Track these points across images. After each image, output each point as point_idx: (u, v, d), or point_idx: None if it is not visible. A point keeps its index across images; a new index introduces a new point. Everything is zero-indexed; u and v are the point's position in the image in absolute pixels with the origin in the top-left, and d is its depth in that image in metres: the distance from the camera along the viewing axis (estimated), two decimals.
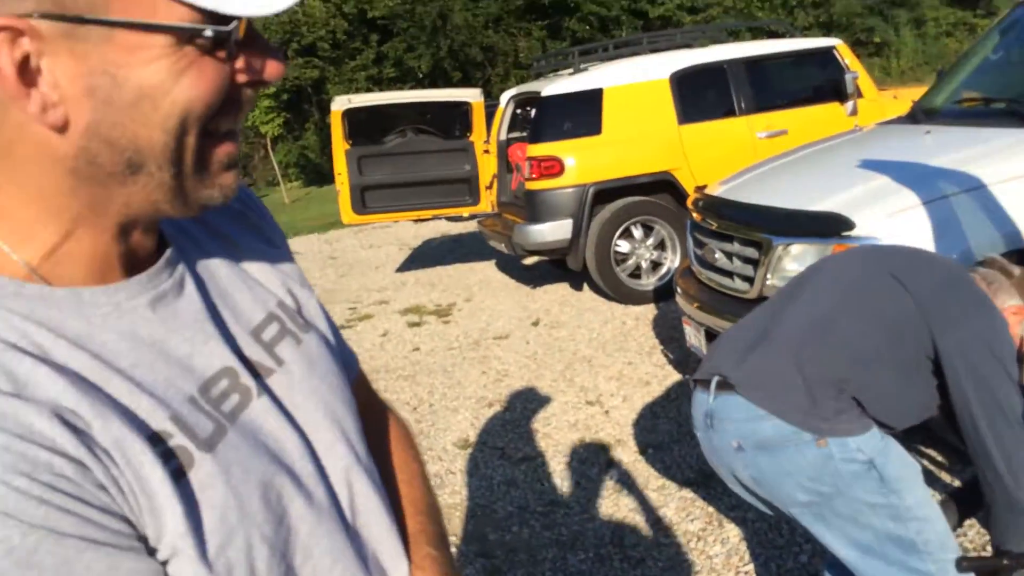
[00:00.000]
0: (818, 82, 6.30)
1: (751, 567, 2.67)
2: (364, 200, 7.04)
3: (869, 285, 1.81)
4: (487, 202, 6.98)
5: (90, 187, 0.57)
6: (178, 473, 0.57)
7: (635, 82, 5.95)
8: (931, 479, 2.91)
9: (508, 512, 3.24)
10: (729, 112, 6.05)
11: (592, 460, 3.59)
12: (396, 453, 0.89)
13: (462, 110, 6.93)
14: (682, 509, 3.07)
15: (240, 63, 0.57)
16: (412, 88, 19.83)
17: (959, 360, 1.61)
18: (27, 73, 0.51)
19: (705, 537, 2.87)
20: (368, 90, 19.71)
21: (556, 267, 6.84)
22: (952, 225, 2.88)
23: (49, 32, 0.51)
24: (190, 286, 0.66)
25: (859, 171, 3.36)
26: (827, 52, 6.32)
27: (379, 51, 21.77)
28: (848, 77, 6.03)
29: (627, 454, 3.59)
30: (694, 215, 3.97)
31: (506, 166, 6.92)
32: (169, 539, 0.55)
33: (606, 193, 5.87)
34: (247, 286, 0.73)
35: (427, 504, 0.86)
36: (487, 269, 7.82)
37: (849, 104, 6.04)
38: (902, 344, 1.71)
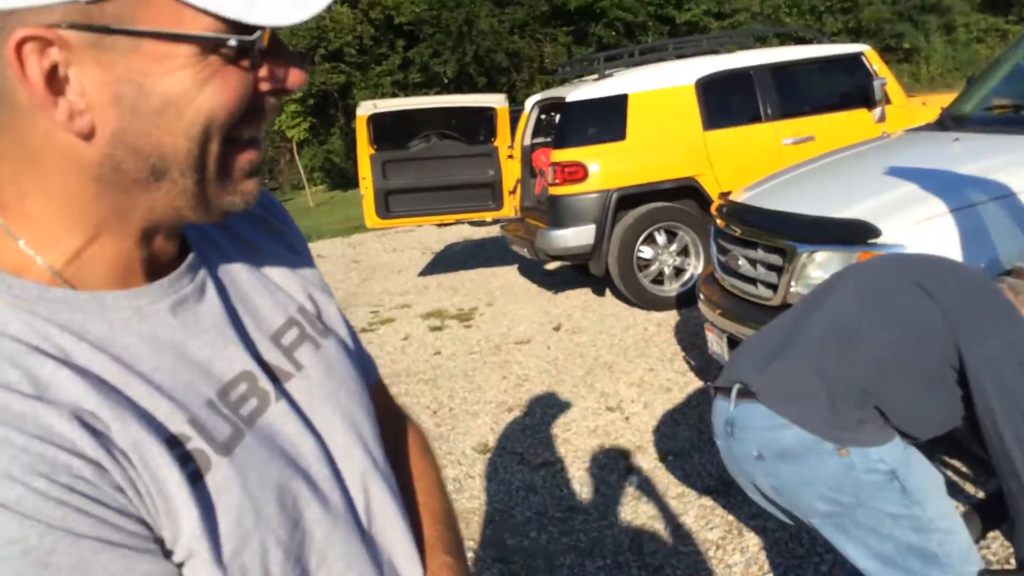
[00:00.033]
0: (846, 88, 6.24)
1: None
2: (388, 204, 7.08)
3: (894, 294, 1.79)
4: (510, 207, 6.98)
5: (114, 193, 0.57)
6: (195, 476, 0.57)
7: (660, 88, 5.93)
8: (955, 490, 2.86)
9: (526, 517, 3.23)
10: (755, 118, 6.01)
11: (611, 466, 3.57)
12: (414, 461, 0.89)
13: (487, 115, 6.94)
14: (701, 517, 3.04)
15: (263, 72, 0.58)
16: (437, 93, 19.93)
17: (985, 371, 1.59)
18: (55, 82, 0.52)
19: (724, 546, 2.84)
20: (394, 95, 19.83)
21: (578, 272, 6.83)
22: (980, 234, 2.83)
23: (77, 42, 0.52)
24: (211, 291, 0.67)
25: (886, 178, 3.32)
26: (855, 58, 6.26)
27: (405, 56, 21.91)
28: (876, 83, 5.97)
29: (647, 461, 3.57)
30: (718, 221, 3.95)
31: (530, 171, 6.93)
32: (185, 541, 0.56)
33: (630, 199, 5.85)
34: (268, 291, 0.73)
35: (445, 513, 0.86)
36: (509, 274, 7.83)
37: (877, 111, 5.98)
38: (927, 354, 1.68)
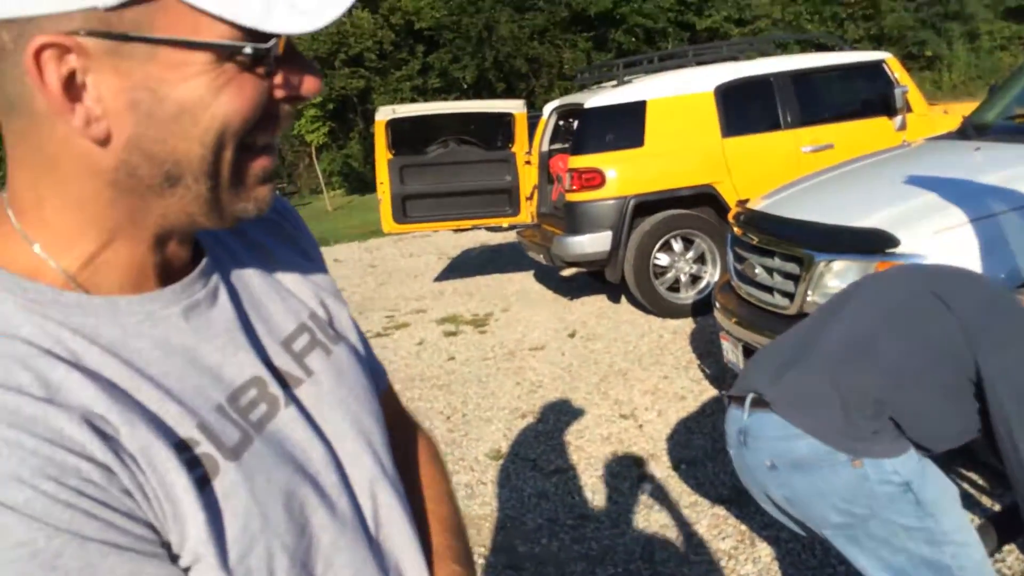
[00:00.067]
0: (866, 96, 6.20)
1: None
2: (405, 209, 7.10)
3: (912, 305, 1.77)
4: (527, 213, 6.98)
5: (129, 198, 0.58)
6: (203, 481, 0.57)
7: (679, 95, 5.92)
8: (971, 502, 2.83)
9: (538, 524, 3.22)
10: (774, 125, 5.98)
11: (624, 474, 3.55)
12: (424, 469, 0.89)
13: (504, 121, 6.95)
14: (714, 526, 3.02)
15: (279, 79, 0.58)
16: (456, 99, 19.99)
17: (1002, 383, 1.57)
18: (72, 88, 0.53)
19: (737, 556, 2.82)
20: (413, 100, 19.93)
21: (594, 279, 6.82)
22: (1000, 244, 2.80)
23: (95, 49, 0.52)
24: (223, 296, 0.67)
25: (905, 187, 3.30)
26: (876, 66, 6.22)
27: (425, 62, 22.03)
28: (897, 91, 5.93)
29: (660, 469, 3.55)
30: (735, 229, 3.93)
31: (547, 177, 6.93)
32: (191, 546, 0.56)
33: (647, 206, 5.84)
34: (280, 296, 0.73)
35: (454, 522, 0.86)
36: (525, 280, 7.82)
37: (898, 119, 5.94)
38: (943, 366, 1.66)
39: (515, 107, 6.95)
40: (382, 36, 21.39)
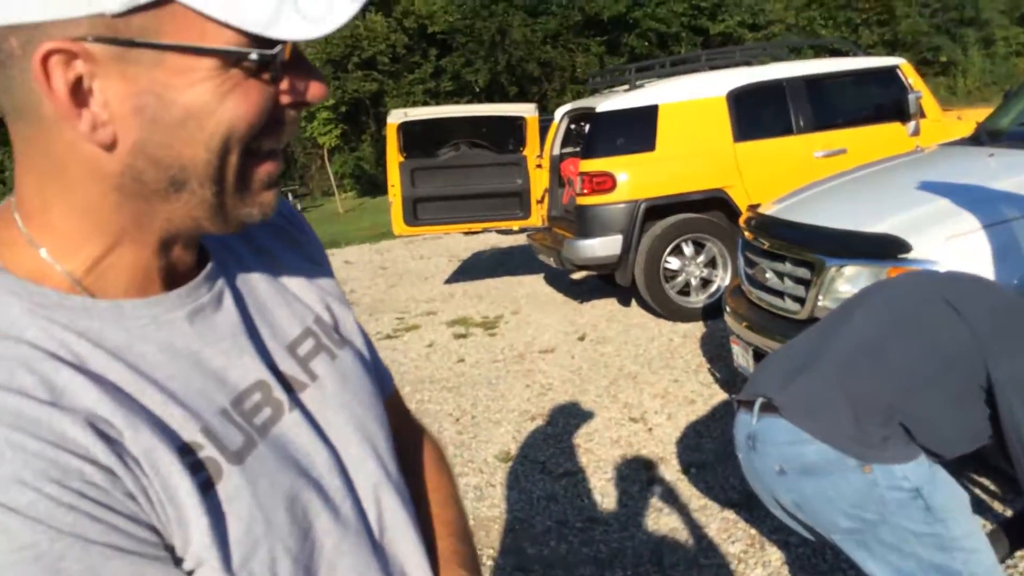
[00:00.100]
0: (880, 101, 6.18)
1: None
2: (416, 212, 7.12)
3: (922, 311, 1.77)
4: (538, 216, 6.99)
5: (134, 203, 0.58)
6: (206, 485, 0.57)
7: (691, 99, 5.92)
8: (982, 508, 2.81)
9: (547, 527, 3.22)
10: (786, 130, 5.96)
11: (633, 477, 3.55)
12: (429, 473, 0.89)
13: (516, 125, 6.96)
14: (724, 530, 3.01)
15: (284, 84, 0.58)
16: (469, 102, 20.02)
17: (1012, 389, 1.56)
18: (79, 94, 0.53)
19: (746, 560, 2.81)
20: (425, 103, 19.96)
21: (604, 282, 6.82)
22: (1012, 251, 2.79)
23: (102, 55, 0.52)
24: (228, 300, 0.67)
25: (918, 193, 3.28)
26: (890, 71, 6.19)
27: (437, 65, 22.07)
28: (911, 97, 5.91)
29: (669, 472, 3.55)
30: (746, 234, 3.92)
31: (558, 180, 6.93)
32: (195, 549, 0.56)
33: (658, 209, 5.83)
34: (285, 301, 0.73)
35: (459, 526, 0.86)
36: (535, 283, 7.83)
37: (911, 124, 5.92)
38: (954, 372, 1.66)
39: (527, 111, 6.96)
40: (395, 39, 21.45)
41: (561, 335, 5.92)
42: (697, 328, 5.65)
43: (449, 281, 8.51)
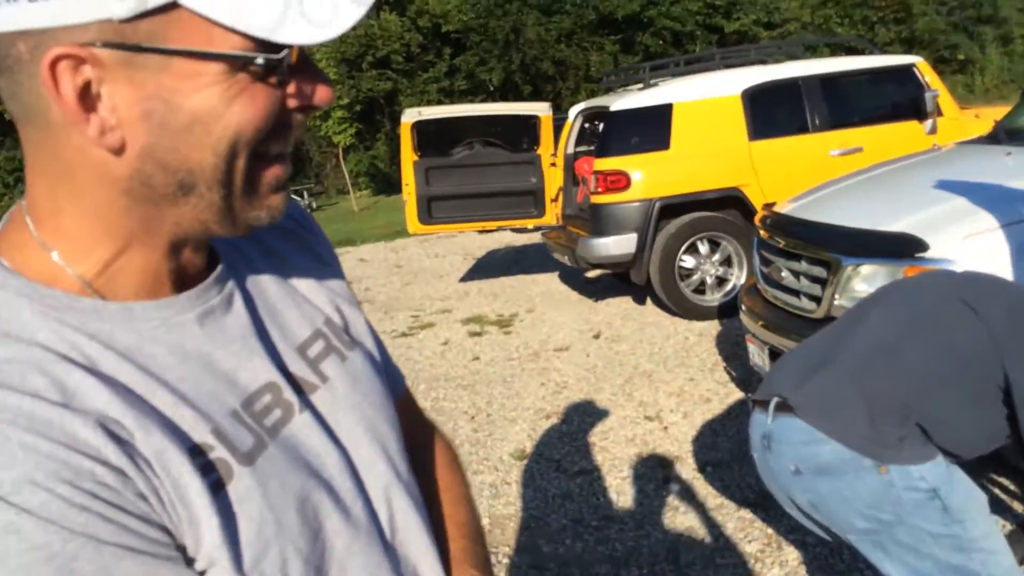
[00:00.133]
0: (896, 100, 6.14)
1: None
2: (430, 210, 7.14)
3: (939, 311, 1.76)
4: (552, 214, 7.00)
5: (143, 207, 0.59)
6: (217, 486, 0.58)
7: (706, 98, 5.91)
8: (1001, 508, 2.80)
9: (562, 525, 3.23)
10: (802, 129, 5.94)
11: (649, 476, 3.55)
12: (441, 474, 0.89)
13: (530, 124, 6.96)
14: (740, 529, 3.01)
15: (291, 88, 0.59)
16: (483, 101, 20.04)
17: None
18: (87, 99, 0.53)
19: (763, 559, 2.81)
20: (439, 102, 19.99)
21: (619, 280, 6.81)
22: None
23: (110, 60, 0.53)
24: (238, 302, 0.68)
25: (935, 191, 3.27)
26: (906, 70, 6.16)
27: (452, 64, 22.09)
28: (928, 95, 5.87)
29: (685, 471, 3.55)
30: (761, 232, 3.91)
31: (572, 179, 6.94)
32: (206, 550, 0.56)
33: (672, 208, 5.83)
34: (295, 303, 0.74)
35: (471, 527, 0.86)
36: (550, 281, 7.83)
37: (928, 123, 5.88)
38: (971, 373, 1.65)
39: (541, 110, 6.96)
40: (409, 39, 21.49)
41: (576, 333, 5.93)
42: (713, 326, 5.64)
43: (464, 279, 8.53)
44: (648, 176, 5.80)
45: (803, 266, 3.47)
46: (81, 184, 0.57)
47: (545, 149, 6.94)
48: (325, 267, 0.80)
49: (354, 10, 0.56)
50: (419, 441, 0.88)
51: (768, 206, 4.19)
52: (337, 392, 0.71)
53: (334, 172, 23.04)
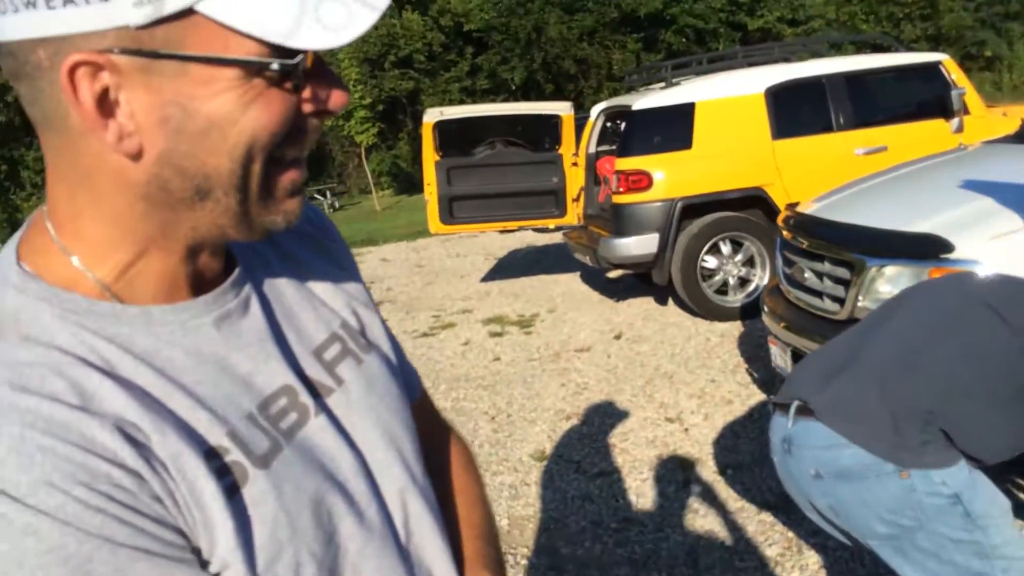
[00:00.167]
0: (922, 98, 6.07)
1: None
2: (452, 210, 7.15)
3: (964, 315, 1.74)
4: (573, 214, 6.98)
5: (161, 211, 0.59)
6: (232, 488, 0.58)
7: (729, 96, 5.86)
8: None
9: (581, 527, 3.22)
10: (826, 128, 5.89)
11: (669, 478, 3.54)
12: (456, 476, 0.89)
13: (552, 123, 6.96)
14: (760, 533, 2.99)
15: (306, 93, 0.59)
16: (505, 100, 20.05)
17: None
18: (105, 105, 0.54)
19: (783, 563, 2.79)
20: (461, 102, 20.03)
21: (641, 281, 6.79)
22: None
23: (127, 66, 0.54)
24: (255, 306, 0.68)
25: (961, 191, 3.23)
26: (932, 67, 6.08)
27: (474, 63, 22.12)
28: (954, 93, 5.79)
29: (706, 473, 3.53)
30: (784, 233, 3.88)
31: (594, 179, 6.92)
32: (221, 552, 0.57)
33: (695, 208, 5.80)
34: (312, 306, 0.74)
35: (486, 529, 0.86)
36: (571, 281, 7.82)
37: (954, 121, 5.80)
38: (995, 377, 1.63)
39: (562, 109, 6.96)
40: (431, 38, 21.55)
41: (597, 334, 5.91)
42: (735, 327, 5.61)
43: (485, 279, 8.54)
44: (670, 176, 5.77)
45: (826, 267, 3.44)
46: (100, 189, 0.58)
47: (566, 149, 6.93)
48: (342, 271, 0.81)
49: (368, 15, 0.56)
50: (435, 443, 0.88)
51: (791, 206, 4.16)
52: (353, 395, 0.71)
53: (356, 172, 23.17)
